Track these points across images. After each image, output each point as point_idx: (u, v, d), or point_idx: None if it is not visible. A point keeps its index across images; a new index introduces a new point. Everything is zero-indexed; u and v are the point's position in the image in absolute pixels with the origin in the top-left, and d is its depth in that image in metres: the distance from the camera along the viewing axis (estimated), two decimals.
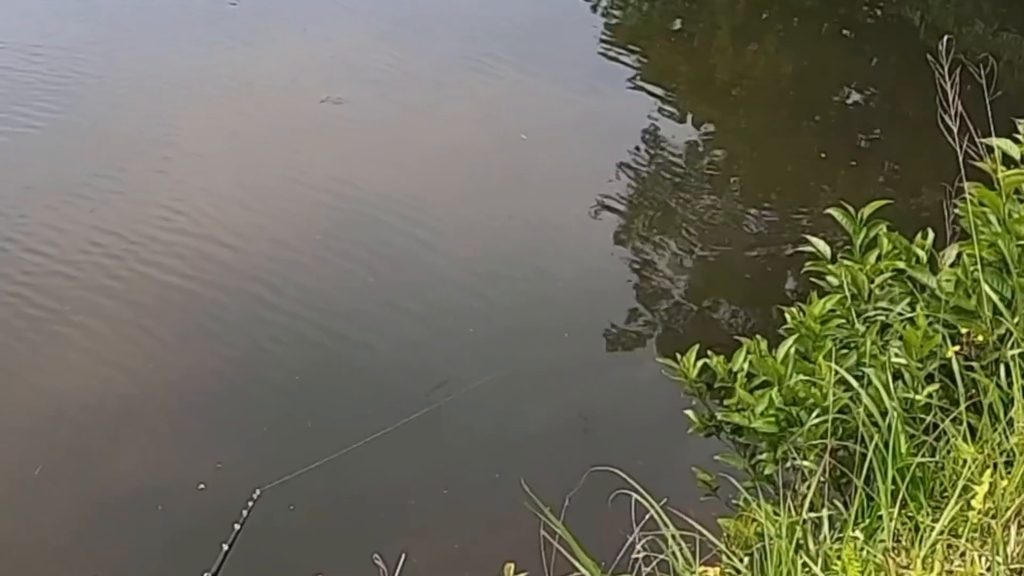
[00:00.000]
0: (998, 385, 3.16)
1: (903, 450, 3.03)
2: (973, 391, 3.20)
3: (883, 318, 3.42)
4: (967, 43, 9.86)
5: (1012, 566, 2.68)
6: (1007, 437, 3.03)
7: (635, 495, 3.05)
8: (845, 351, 3.37)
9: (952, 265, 3.48)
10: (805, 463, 3.22)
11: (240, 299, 6.94)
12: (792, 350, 3.41)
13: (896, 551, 2.84)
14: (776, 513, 2.96)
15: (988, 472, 2.86)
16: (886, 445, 3.02)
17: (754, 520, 3.23)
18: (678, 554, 2.94)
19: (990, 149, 3.39)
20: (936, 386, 3.19)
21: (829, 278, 3.62)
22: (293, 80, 9.47)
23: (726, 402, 3.55)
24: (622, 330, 6.84)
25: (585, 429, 6.02)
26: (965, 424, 3.10)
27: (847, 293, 3.50)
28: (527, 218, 7.79)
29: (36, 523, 5.49)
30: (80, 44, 9.93)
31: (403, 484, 5.67)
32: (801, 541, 2.90)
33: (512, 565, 2.99)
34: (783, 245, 7.46)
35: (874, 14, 11.18)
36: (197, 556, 5.06)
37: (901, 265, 3.53)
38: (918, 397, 3.17)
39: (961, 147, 3.29)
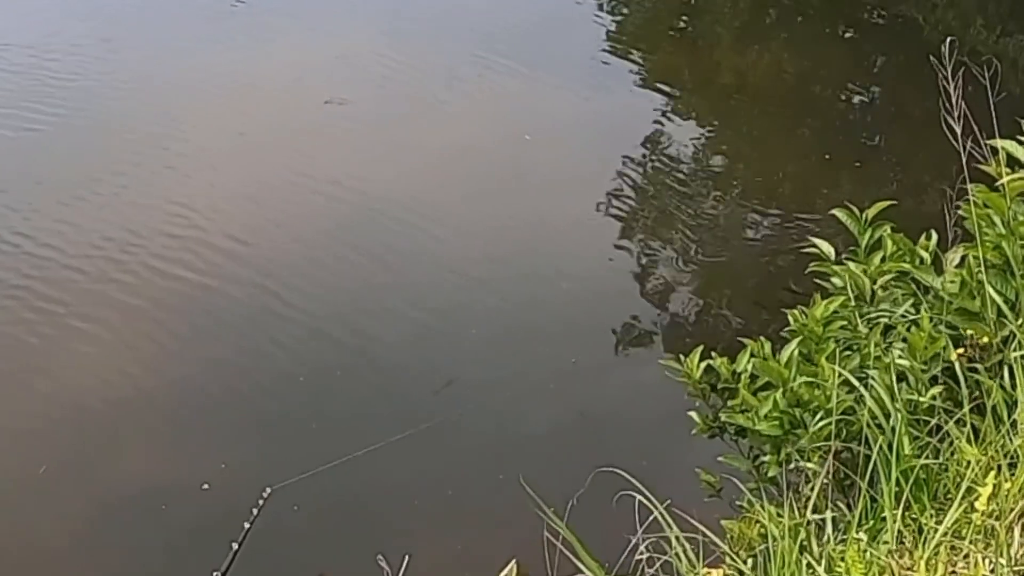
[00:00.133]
0: (1002, 387, 3.16)
1: (907, 452, 3.03)
2: (977, 393, 3.20)
3: (886, 320, 3.42)
4: (971, 44, 9.85)
5: (1015, 568, 2.68)
6: (1011, 439, 3.03)
7: (639, 496, 3.05)
8: (848, 353, 3.36)
9: (956, 267, 3.48)
10: (809, 465, 3.22)
11: (243, 299, 6.95)
12: (795, 352, 3.41)
13: (900, 553, 2.84)
14: (780, 515, 2.96)
15: (992, 474, 2.86)
16: (890, 447, 3.02)
17: (758, 522, 3.23)
18: (682, 555, 2.95)
19: (995, 151, 3.39)
20: (940, 388, 3.19)
21: (833, 279, 3.62)
22: (297, 80, 9.48)
23: (730, 403, 3.55)
24: (625, 331, 6.84)
25: (586, 427, 6.02)
26: (969, 426, 3.10)
27: (850, 295, 3.50)
28: (531, 219, 7.79)
29: (40, 523, 5.50)
30: (87, 42, 9.97)
31: (407, 485, 5.67)
32: (805, 543, 2.90)
33: (515, 562, 3.00)
34: (786, 246, 7.45)
35: (878, 15, 11.17)
36: (201, 556, 5.08)
37: (906, 266, 3.53)
38: (922, 399, 3.17)
39: (965, 148, 3.29)
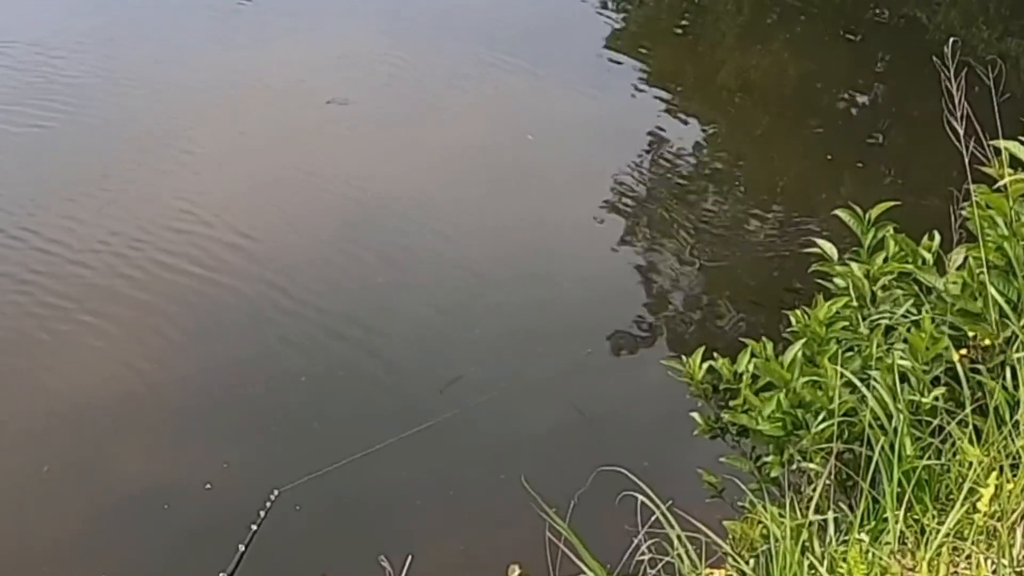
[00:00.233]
0: (1004, 388, 3.16)
1: (909, 452, 3.03)
2: (979, 394, 3.20)
3: (887, 320, 3.42)
4: (974, 45, 9.85)
5: (1018, 569, 2.68)
6: (1013, 440, 3.03)
7: (640, 497, 3.05)
8: (850, 354, 3.36)
9: (959, 268, 3.47)
10: (811, 465, 3.22)
11: (246, 298, 6.95)
12: (799, 354, 3.41)
13: (902, 553, 2.84)
14: (782, 515, 2.96)
15: (994, 475, 2.86)
16: (892, 448, 3.02)
17: (760, 522, 3.23)
18: (684, 556, 2.95)
19: (998, 152, 3.39)
20: (942, 389, 3.19)
21: (836, 279, 3.62)
22: (300, 80, 9.49)
23: (731, 404, 3.55)
24: (627, 331, 6.84)
25: (587, 427, 6.01)
26: (971, 427, 3.10)
27: (852, 295, 3.50)
28: (533, 219, 7.79)
29: (43, 522, 5.50)
30: (91, 40, 10.02)
31: (409, 485, 5.67)
32: (807, 543, 2.90)
33: (517, 567, 3.00)
34: (788, 246, 7.45)
35: (881, 16, 11.16)
36: (203, 555, 5.09)
37: (908, 267, 3.53)
38: (924, 400, 3.17)
39: (967, 149, 3.29)
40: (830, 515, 3.01)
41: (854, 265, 3.56)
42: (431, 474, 5.74)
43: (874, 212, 3.60)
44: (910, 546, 2.87)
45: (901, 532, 2.88)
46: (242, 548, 5.03)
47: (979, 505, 2.78)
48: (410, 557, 3.84)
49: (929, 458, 3.07)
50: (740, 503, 3.51)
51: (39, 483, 5.67)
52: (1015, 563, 2.68)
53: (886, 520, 2.90)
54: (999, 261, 3.34)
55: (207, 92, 9.30)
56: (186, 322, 6.75)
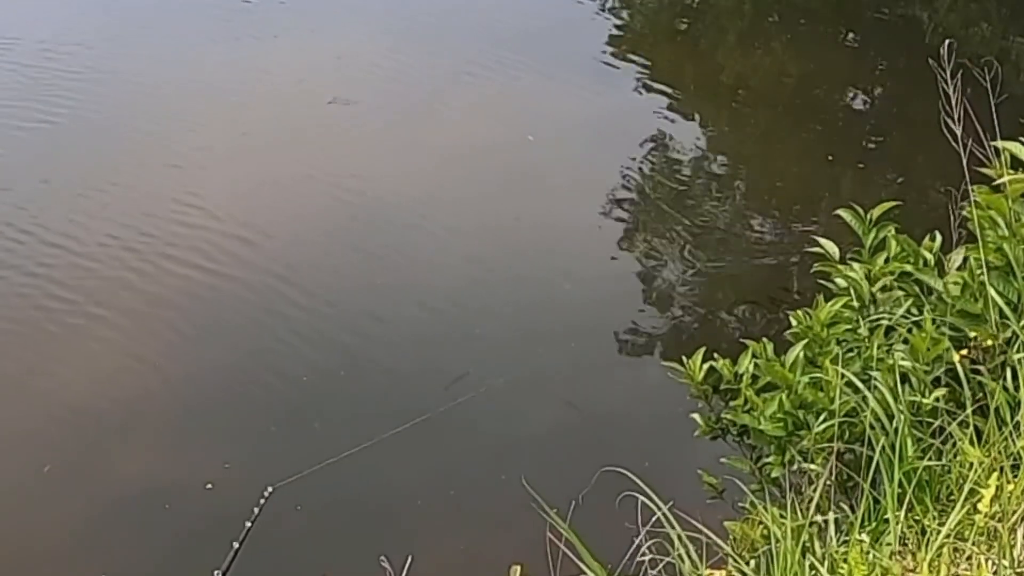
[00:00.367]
0: (1005, 388, 3.16)
1: (910, 453, 3.04)
2: (980, 395, 3.20)
3: (888, 321, 3.42)
4: (974, 45, 9.86)
5: (1018, 570, 2.68)
6: (1014, 440, 3.03)
7: (641, 497, 3.05)
8: (851, 354, 3.37)
9: (958, 268, 3.48)
10: (812, 466, 3.22)
11: (247, 298, 6.96)
12: (801, 355, 3.41)
13: (902, 554, 2.85)
14: (782, 516, 2.96)
15: (995, 476, 2.86)
16: (893, 448, 3.03)
17: (760, 523, 3.23)
18: (684, 557, 2.95)
19: (998, 152, 3.39)
20: (943, 390, 3.19)
21: (837, 279, 3.62)
22: (302, 80, 9.50)
23: (732, 404, 3.55)
24: (628, 332, 6.84)
25: (588, 428, 6.01)
26: (972, 428, 3.10)
27: (853, 296, 3.50)
28: (534, 220, 7.79)
29: (44, 521, 5.50)
30: (96, 39, 10.09)
31: (409, 485, 5.68)
32: (807, 544, 2.90)
33: (519, 568, 3.00)
34: (789, 247, 7.46)
35: (880, 16, 11.17)
36: (203, 555, 5.08)
37: (908, 268, 3.53)
38: (925, 401, 3.17)
39: (966, 150, 3.29)
40: (831, 516, 3.01)
41: (855, 266, 3.56)
42: (432, 474, 5.74)
43: (875, 212, 3.60)
44: (911, 547, 2.87)
45: (902, 533, 2.88)
46: (236, 545, 5.03)
47: (980, 506, 2.78)
48: (410, 557, 3.85)
49: (930, 459, 3.07)
50: (741, 504, 3.52)
51: (40, 482, 5.67)
52: (1016, 564, 2.68)
53: (887, 521, 2.90)
54: (999, 262, 3.34)
55: (210, 91, 9.33)
56: (189, 320, 6.76)
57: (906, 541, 2.89)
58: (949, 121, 3.27)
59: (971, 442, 3.06)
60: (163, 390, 6.28)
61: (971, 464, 2.97)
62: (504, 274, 7.31)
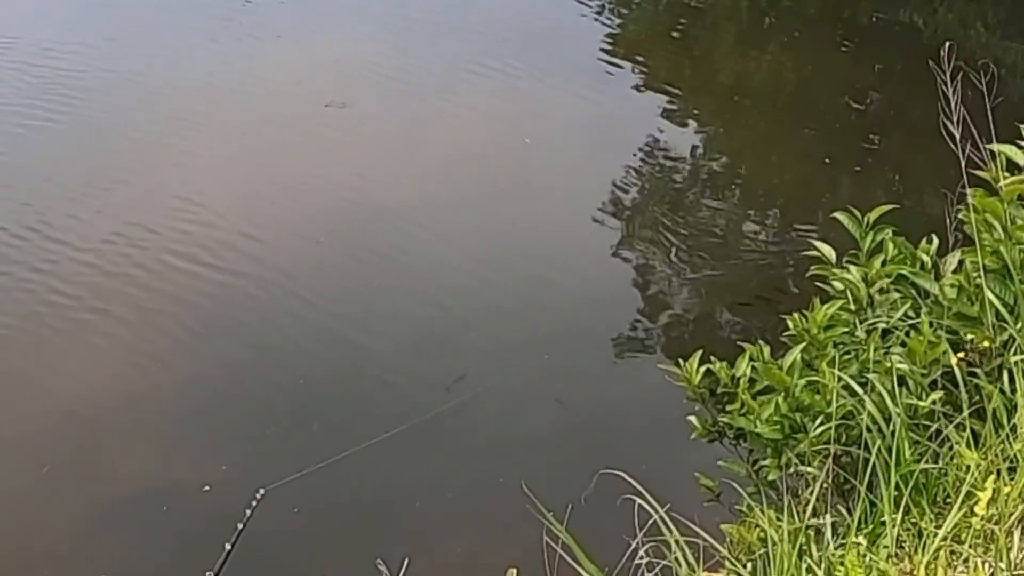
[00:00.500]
0: (1002, 391, 3.16)
1: (907, 456, 3.03)
2: (976, 397, 3.20)
3: (885, 324, 3.42)
4: (971, 48, 9.87)
5: (1015, 572, 2.68)
6: (1010, 443, 3.03)
7: (638, 500, 3.05)
8: (848, 357, 3.37)
9: (955, 271, 3.48)
10: (808, 469, 3.22)
11: (246, 300, 6.97)
12: (798, 358, 3.41)
13: (899, 557, 2.85)
14: (779, 519, 2.96)
15: (991, 478, 2.86)
16: (889, 451, 3.03)
17: (757, 526, 3.23)
18: (681, 560, 2.95)
19: (994, 155, 3.39)
20: (940, 393, 3.19)
21: (834, 282, 3.62)
22: (301, 82, 9.51)
23: (729, 407, 3.55)
24: (626, 334, 6.84)
25: (585, 431, 6.01)
26: (968, 430, 3.10)
27: (850, 299, 3.50)
28: (531, 223, 7.80)
29: (42, 523, 5.51)
30: (95, 40, 10.18)
31: (407, 487, 5.68)
32: (804, 547, 2.90)
33: (515, 571, 3.00)
34: (786, 250, 7.46)
35: (878, 19, 11.18)
36: (201, 557, 5.08)
37: (905, 271, 3.53)
38: (922, 404, 3.17)
39: (964, 153, 3.30)
40: (828, 519, 3.01)
41: (852, 269, 3.56)
42: (430, 476, 5.74)
43: (872, 215, 3.60)
44: (907, 550, 2.87)
45: (898, 536, 2.88)
46: (228, 547, 5.03)
47: (976, 509, 2.78)
48: (407, 560, 3.85)
49: (927, 462, 3.07)
50: (738, 507, 3.52)
51: (39, 484, 5.67)
52: (1012, 567, 2.68)
53: (884, 524, 2.90)
54: (995, 264, 3.34)
55: (211, 91, 9.36)
56: (188, 321, 6.77)
57: (903, 544, 2.89)
58: (947, 124, 3.28)
59: (968, 445, 3.06)
60: (162, 391, 6.28)
61: (968, 467, 2.97)
62: (500, 277, 7.31)
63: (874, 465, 3.03)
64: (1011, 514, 2.79)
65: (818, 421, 3.23)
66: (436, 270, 7.33)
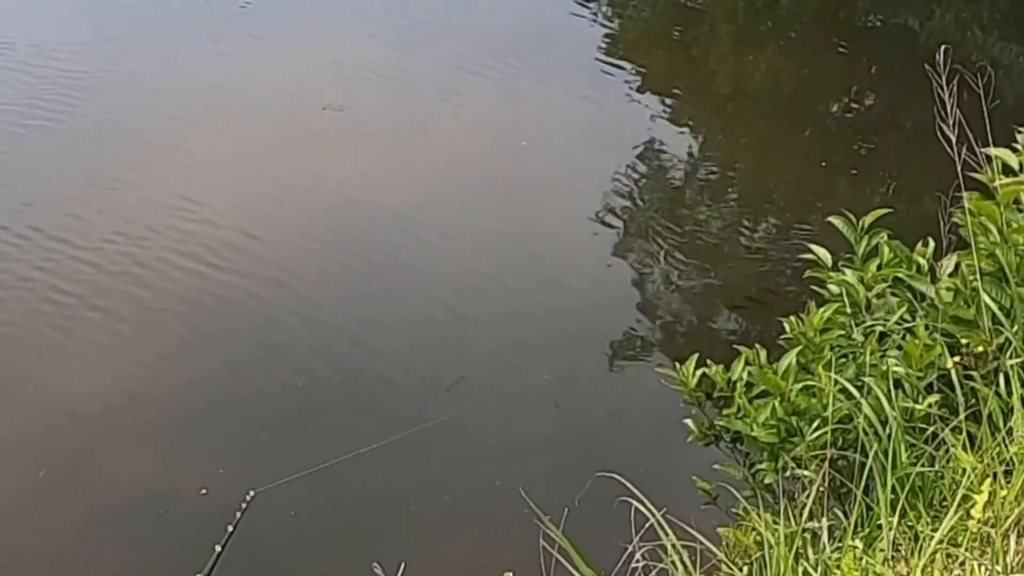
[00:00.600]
0: (997, 394, 3.17)
1: (903, 459, 3.04)
2: (973, 400, 3.21)
3: (882, 327, 3.42)
4: (968, 51, 9.88)
5: (1011, 575, 2.68)
6: (1006, 446, 3.04)
7: (635, 503, 3.05)
8: (844, 360, 3.37)
9: (951, 275, 3.48)
10: (805, 472, 3.22)
11: (244, 303, 6.96)
12: (793, 362, 3.42)
13: (895, 560, 2.85)
14: (776, 522, 2.97)
15: (987, 481, 2.87)
16: (886, 454, 3.03)
17: (754, 529, 3.23)
18: (678, 563, 2.95)
19: (990, 158, 3.40)
20: (936, 396, 3.20)
21: (830, 286, 3.63)
22: (298, 85, 9.51)
23: (725, 411, 3.55)
24: (622, 338, 6.84)
25: (582, 434, 6.01)
26: (964, 433, 3.10)
27: (846, 302, 3.50)
28: (528, 226, 7.79)
29: (39, 527, 5.50)
30: (94, 42, 10.20)
31: (404, 491, 5.67)
32: (801, 550, 2.90)
33: (511, 574, 3.00)
34: (783, 253, 7.46)
35: (874, 23, 11.19)
36: (197, 560, 5.08)
37: (901, 274, 3.53)
38: (918, 407, 3.17)
39: (959, 156, 3.30)
40: (824, 522, 3.01)
41: (848, 272, 3.56)
42: (427, 480, 5.73)
43: (867, 219, 3.61)
44: (904, 553, 2.87)
45: (895, 539, 2.88)
46: (218, 549, 5.03)
47: (973, 512, 2.78)
48: (403, 564, 3.84)
49: (923, 465, 3.07)
50: (734, 510, 3.52)
51: (35, 488, 5.66)
52: (1009, 570, 2.69)
53: (880, 527, 2.90)
54: (991, 267, 3.34)
55: (210, 93, 9.37)
56: (186, 323, 6.77)
57: (899, 547, 2.89)
58: (943, 126, 3.28)
59: (964, 448, 3.06)
60: (159, 393, 6.28)
61: (964, 470, 2.97)
62: (497, 280, 7.30)
63: (870, 468, 3.03)
64: (1007, 517, 2.80)
65: (814, 425, 3.23)
66: (433, 273, 7.32)
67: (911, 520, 2.96)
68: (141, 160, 8.39)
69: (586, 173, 8.48)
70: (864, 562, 2.78)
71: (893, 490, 2.96)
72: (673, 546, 2.95)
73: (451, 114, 9.16)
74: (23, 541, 5.44)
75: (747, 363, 3.53)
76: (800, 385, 3.36)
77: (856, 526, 2.97)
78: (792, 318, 3.56)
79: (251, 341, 6.68)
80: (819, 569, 2.83)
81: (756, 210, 8.12)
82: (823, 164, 8.68)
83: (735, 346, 3.72)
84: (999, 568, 2.67)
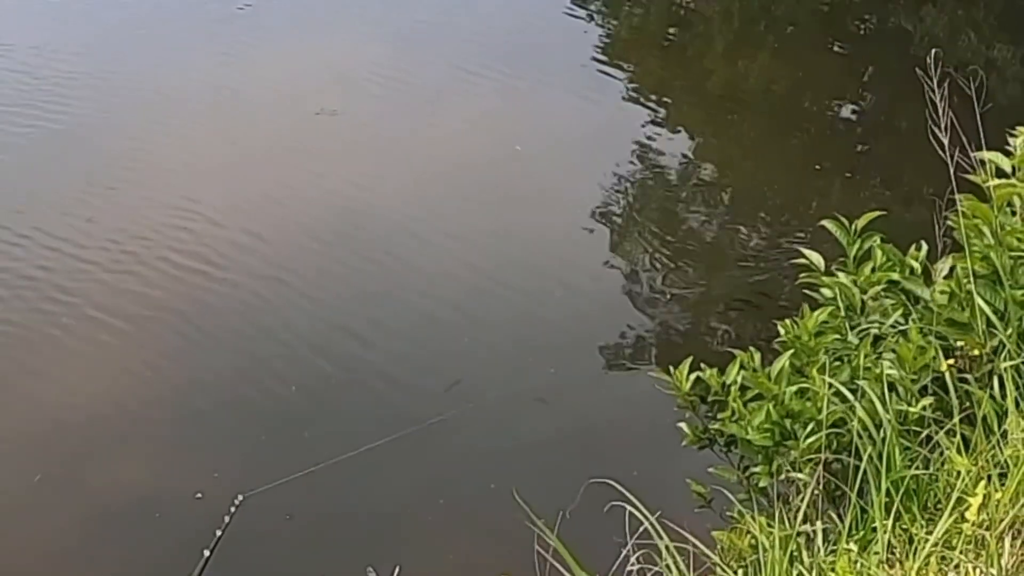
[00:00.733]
0: (992, 397, 3.17)
1: (897, 462, 3.04)
2: (967, 403, 3.21)
3: (876, 330, 3.43)
4: (961, 54, 9.89)
5: None
6: (1001, 449, 3.04)
7: (630, 507, 3.05)
8: (838, 363, 3.37)
9: (945, 277, 3.48)
10: (799, 476, 3.22)
11: (242, 305, 6.96)
12: (786, 365, 3.42)
13: (890, 563, 2.85)
14: (770, 525, 2.97)
15: (982, 484, 2.87)
16: (880, 457, 3.03)
17: (748, 532, 3.23)
18: (672, 566, 2.95)
19: (983, 161, 3.40)
20: (930, 399, 3.20)
21: (823, 290, 3.63)
22: (293, 88, 9.51)
23: (720, 415, 3.55)
24: (616, 342, 6.84)
25: (576, 438, 6.01)
26: (959, 436, 3.11)
27: (840, 305, 3.50)
28: (522, 230, 7.79)
29: (35, 531, 5.49)
30: (92, 45, 10.19)
31: (399, 494, 5.66)
32: (795, 553, 2.91)
33: None
34: (777, 257, 7.47)
35: (868, 26, 11.21)
36: (192, 565, 5.07)
37: (895, 277, 3.53)
38: (912, 410, 3.17)
39: (952, 159, 3.30)
40: (818, 525, 3.01)
41: (841, 275, 3.56)
42: (422, 483, 5.73)
43: (860, 222, 3.61)
44: (898, 556, 2.88)
45: (889, 542, 2.88)
46: (207, 553, 5.03)
47: (967, 514, 2.78)
48: (397, 568, 3.84)
49: (917, 468, 3.07)
50: (729, 513, 3.52)
51: (31, 492, 5.65)
52: (1003, 572, 2.69)
53: (874, 530, 2.90)
54: (985, 270, 3.35)
55: (209, 95, 9.38)
56: (183, 326, 6.76)
57: (894, 550, 2.89)
58: (936, 130, 3.29)
59: (958, 451, 3.06)
60: (155, 397, 6.27)
61: (958, 473, 2.98)
62: (495, 283, 7.30)
63: (865, 471, 3.04)
64: (1001, 520, 2.80)
65: (809, 428, 3.23)
66: (430, 276, 7.32)
67: (906, 523, 2.96)
68: (141, 160, 8.40)
69: (582, 174, 8.48)
70: (859, 565, 2.78)
71: (887, 493, 2.96)
72: (668, 549, 2.95)
73: (443, 119, 9.16)
74: (19, 544, 5.43)
75: (741, 366, 3.52)
76: (794, 388, 3.36)
77: (851, 529, 2.97)
78: (787, 321, 3.56)
79: (248, 345, 6.68)
80: (814, 572, 2.83)
81: (751, 213, 8.12)
82: (818, 167, 8.68)
83: (729, 349, 3.72)
84: (993, 571, 2.67)
